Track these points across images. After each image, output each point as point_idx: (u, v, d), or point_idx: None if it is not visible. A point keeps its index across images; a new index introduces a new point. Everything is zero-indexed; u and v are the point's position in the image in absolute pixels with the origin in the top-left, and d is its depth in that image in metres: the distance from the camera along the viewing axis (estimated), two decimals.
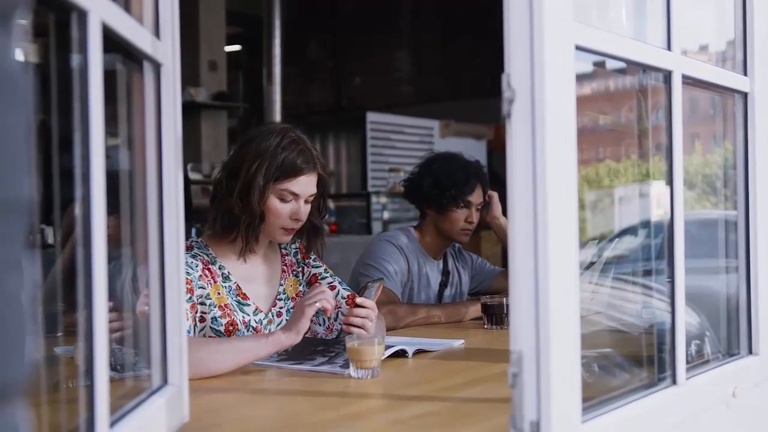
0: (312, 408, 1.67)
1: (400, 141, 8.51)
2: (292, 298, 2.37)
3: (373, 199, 7.63)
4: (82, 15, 1.00)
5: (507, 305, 2.66)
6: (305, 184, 2.23)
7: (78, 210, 1.03)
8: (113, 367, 1.27)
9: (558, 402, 1.18)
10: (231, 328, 2.19)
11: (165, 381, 1.38)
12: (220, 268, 2.24)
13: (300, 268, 2.43)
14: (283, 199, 2.21)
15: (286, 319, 2.31)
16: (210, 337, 2.17)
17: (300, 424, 1.55)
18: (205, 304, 2.15)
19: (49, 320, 1.45)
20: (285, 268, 2.40)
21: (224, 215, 2.22)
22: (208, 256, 2.23)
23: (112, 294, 1.09)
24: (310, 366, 1.98)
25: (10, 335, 0.55)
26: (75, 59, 1.03)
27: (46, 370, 1.32)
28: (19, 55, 0.57)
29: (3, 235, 0.54)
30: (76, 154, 1.03)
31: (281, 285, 2.37)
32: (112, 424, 1.09)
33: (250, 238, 2.24)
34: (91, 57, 1.02)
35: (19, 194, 0.56)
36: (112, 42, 1.12)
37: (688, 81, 1.59)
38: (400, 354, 2.13)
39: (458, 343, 2.37)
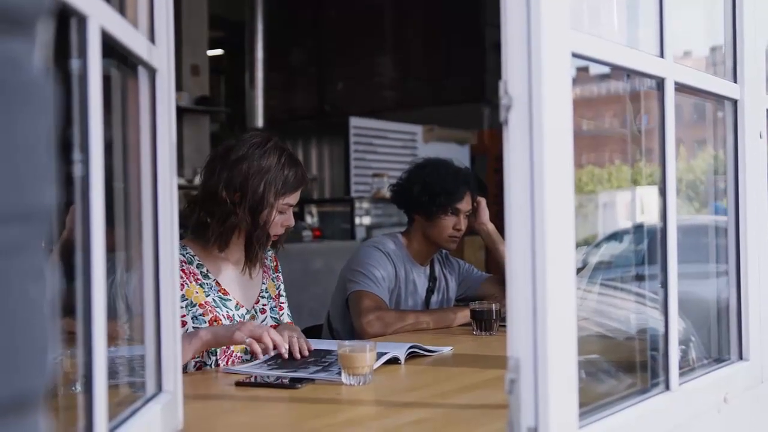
0: (305, 415, 1.66)
1: (384, 146, 8.51)
2: (274, 297, 2.47)
3: (357, 204, 7.61)
4: (82, 20, 1.00)
5: (496, 311, 2.67)
6: (299, 195, 2.38)
7: (77, 215, 1.02)
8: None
9: (555, 408, 1.18)
10: (215, 323, 2.25)
11: (160, 388, 1.37)
12: (198, 267, 2.29)
13: (276, 275, 2.54)
14: (281, 212, 2.33)
15: (271, 316, 2.43)
16: None
17: None
18: (182, 306, 2.17)
19: None
20: (265, 268, 2.50)
21: (230, 230, 2.27)
22: (184, 255, 2.25)
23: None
24: (306, 374, 1.97)
25: (33, 343, 0.55)
26: (74, 64, 1.02)
27: None
28: (41, 63, 0.57)
29: (26, 242, 0.54)
30: (73, 159, 1.02)
31: (263, 284, 2.46)
32: (110, 431, 1.08)
33: (261, 254, 2.35)
34: (91, 62, 1.01)
35: (42, 202, 0.55)
36: (108, 47, 1.11)
37: (680, 88, 1.60)
38: (392, 360, 2.13)
39: (447, 350, 2.37)
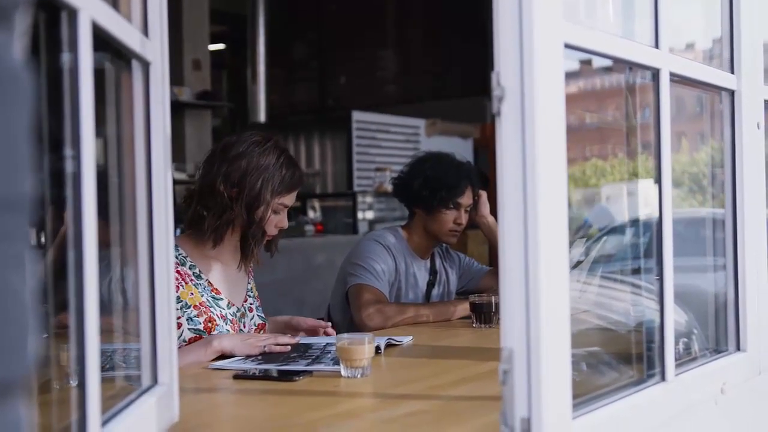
0: (302, 407, 1.66)
1: (386, 140, 8.50)
2: (256, 297, 2.51)
3: (359, 198, 7.61)
4: (72, 13, 1.00)
5: (495, 304, 2.67)
6: (294, 196, 2.40)
7: (68, 211, 1.02)
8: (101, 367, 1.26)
9: (549, 398, 1.18)
10: (210, 324, 2.27)
11: (155, 381, 1.37)
12: (190, 268, 2.32)
13: (253, 276, 2.56)
14: (275, 212, 2.34)
15: (258, 315, 2.47)
16: (189, 338, 2.24)
17: (291, 424, 1.54)
18: (177, 308, 2.19)
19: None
20: (250, 269, 2.52)
21: (225, 225, 2.28)
22: (177, 257, 2.26)
23: (99, 295, 1.09)
24: (303, 366, 1.97)
25: (13, 331, 0.55)
26: (64, 58, 1.02)
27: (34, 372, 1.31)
28: (20, 54, 0.57)
29: (6, 231, 0.54)
30: (65, 154, 1.03)
31: (249, 284, 2.49)
32: (104, 423, 1.08)
33: (256, 250, 2.37)
34: (82, 55, 1.01)
35: (22, 191, 0.56)
36: (101, 40, 1.11)
37: (676, 79, 1.60)
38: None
39: (407, 340, 2.39)
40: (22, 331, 0.56)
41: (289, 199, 2.36)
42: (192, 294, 2.27)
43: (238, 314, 2.38)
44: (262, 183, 2.28)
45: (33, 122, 0.58)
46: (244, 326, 2.39)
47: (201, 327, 2.24)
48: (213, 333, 2.24)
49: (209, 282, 2.33)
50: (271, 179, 2.29)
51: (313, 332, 2.45)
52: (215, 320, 2.27)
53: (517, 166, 1.18)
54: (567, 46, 1.26)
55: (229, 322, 2.31)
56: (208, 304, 2.29)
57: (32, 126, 0.58)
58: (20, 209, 0.56)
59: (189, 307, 2.24)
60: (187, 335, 2.22)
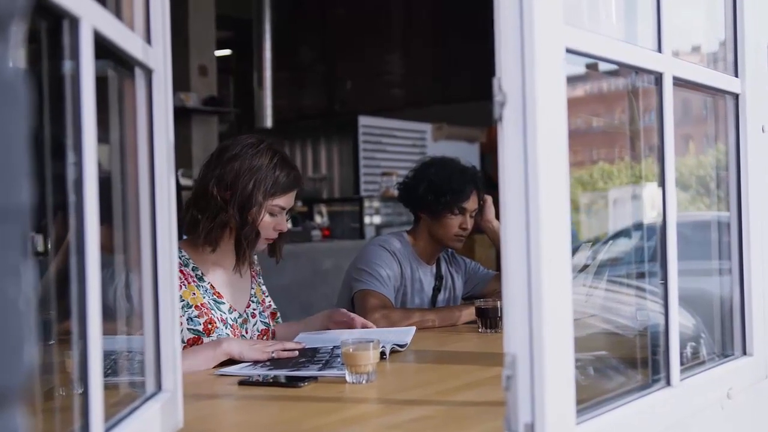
0: (307, 413, 1.66)
1: (393, 145, 8.51)
2: (261, 302, 2.50)
3: (366, 203, 7.61)
4: (74, 22, 1.00)
5: (501, 308, 2.66)
6: (292, 198, 2.39)
7: (71, 217, 1.02)
8: (105, 373, 1.27)
9: (552, 404, 1.18)
10: (209, 326, 2.28)
11: (159, 387, 1.37)
12: (193, 270, 2.33)
13: (260, 279, 2.57)
14: (272, 214, 2.34)
15: (260, 320, 2.46)
16: (188, 339, 2.25)
17: (296, 430, 1.54)
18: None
19: (42, 328, 1.45)
20: (254, 274, 2.53)
21: (219, 227, 2.29)
22: (180, 258, 2.27)
23: (105, 302, 1.09)
24: (311, 372, 1.97)
25: (9, 340, 0.55)
26: (66, 65, 1.03)
27: (40, 378, 1.31)
28: (16, 62, 0.57)
29: (2, 240, 0.55)
30: (68, 161, 1.03)
31: (252, 289, 2.49)
32: (107, 430, 1.09)
33: (249, 252, 2.37)
34: (83, 63, 1.01)
35: (18, 200, 0.56)
36: (103, 48, 1.12)
37: (680, 83, 1.60)
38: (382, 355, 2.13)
39: (411, 331, 2.41)
40: (18, 339, 0.56)
41: (285, 201, 2.35)
42: (194, 294, 2.28)
43: (240, 320, 2.38)
44: (254, 184, 2.28)
45: (30, 132, 0.59)
46: (246, 332, 2.39)
47: (200, 328, 2.25)
48: (212, 335, 2.24)
49: (212, 285, 2.34)
50: (263, 180, 2.29)
51: (348, 325, 2.48)
52: (215, 322, 2.27)
53: (519, 171, 1.18)
54: (568, 50, 1.26)
55: (229, 327, 2.31)
56: (209, 306, 2.29)
57: (29, 135, 0.59)
58: (17, 219, 0.56)
59: (190, 307, 2.25)
60: (187, 335, 2.23)
